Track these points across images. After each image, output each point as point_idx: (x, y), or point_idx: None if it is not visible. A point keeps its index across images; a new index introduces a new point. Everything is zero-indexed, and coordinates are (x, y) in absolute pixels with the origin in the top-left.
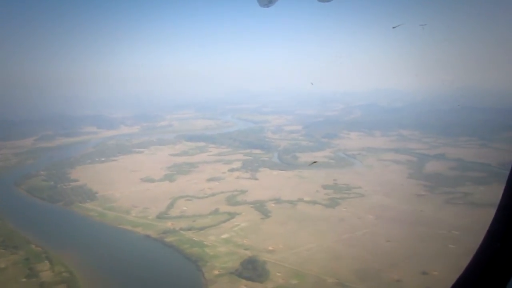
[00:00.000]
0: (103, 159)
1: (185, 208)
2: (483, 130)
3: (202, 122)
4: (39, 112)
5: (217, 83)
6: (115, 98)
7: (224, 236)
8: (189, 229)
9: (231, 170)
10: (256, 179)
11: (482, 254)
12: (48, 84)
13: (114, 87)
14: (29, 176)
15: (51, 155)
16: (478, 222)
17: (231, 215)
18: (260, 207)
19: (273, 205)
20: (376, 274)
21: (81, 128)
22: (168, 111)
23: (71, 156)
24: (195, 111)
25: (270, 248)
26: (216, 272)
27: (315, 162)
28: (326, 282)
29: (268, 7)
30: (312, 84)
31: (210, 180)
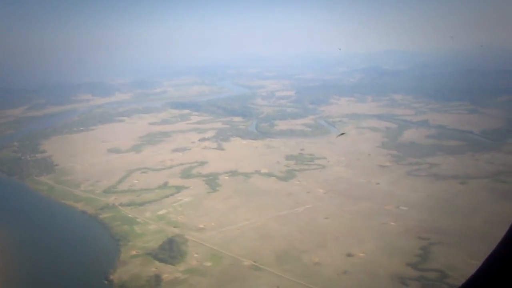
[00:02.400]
0: (81, 128)
1: (136, 181)
2: (478, 94)
3: (197, 88)
4: (36, 80)
5: (222, 48)
6: (118, 65)
7: (161, 212)
8: (129, 205)
9: (202, 139)
10: (222, 149)
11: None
12: (47, 51)
13: (118, 53)
14: (1, 147)
15: (34, 125)
16: (431, 196)
17: (178, 189)
18: (212, 180)
19: (226, 178)
20: (298, 256)
21: (75, 96)
22: (168, 77)
23: (52, 126)
24: (195, 76)
25: (201, 226)
26: (134, 252)
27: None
28: (241, 265)
29: None
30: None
31: (175, 150)
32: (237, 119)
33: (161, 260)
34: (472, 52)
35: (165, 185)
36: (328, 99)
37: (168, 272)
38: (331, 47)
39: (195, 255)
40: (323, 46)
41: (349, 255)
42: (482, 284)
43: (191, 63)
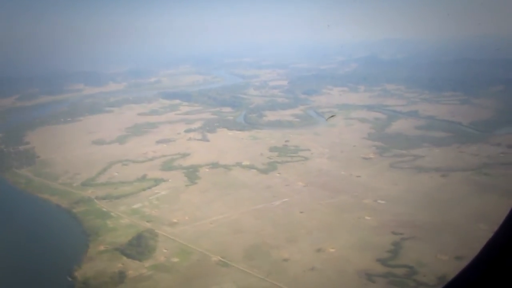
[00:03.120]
0: (69, 119)
1: (116, 173)
2: (472, 84)
3: (192, 78)
4: (29, 69)
5: (221, 36)
6: (115, 54)
7: (136, 206)
8: (105, 198)
9: (188, 130)
10: (207, 140)
11: (485, 255)
12: (42, 40)
13: (115, 42)
14: None
15: (23, 116)
16: (411, 190)
17: (157, 182)
18: (192, 172)
19: (207, 170)
20: (267, 252)
21: (68, 86)
22: (164, 66)
23: (40, 116)
24: (191, 65)
25: (174, 220)
26: (102, 248)
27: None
28: (209, 261)
29: None
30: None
31: (159, 142)
32: (226, 109)
33: (129, 256)
34: (472, 41)
35: (143, 178)
36: (320, 89)
37: (133, 268)
38: (331, 35)
39: (164, 250)
40: (323, 34)
41: (319, 250)
42: (478, 274)
43: (188, 52)
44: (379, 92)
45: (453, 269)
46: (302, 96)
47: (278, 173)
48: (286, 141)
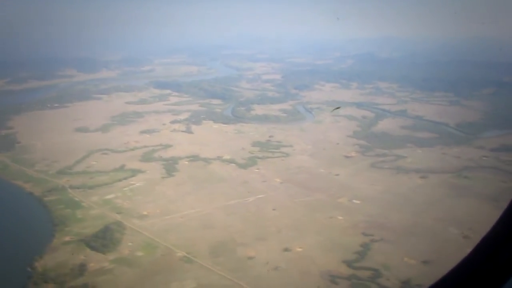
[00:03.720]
0: (56, 105)
1: (94, 163)
2: (464, 85)
3: (186, 68)
4: (23, 53)
5: (222, 27)
6: (113, 40)
7: (109, 196)
8: (79, 187)
9: (174, 121)
10: (191, 132)
11: (478, 252)
12: (38, 24)
13: (116, 29)
14: None
15: (10, 99)
16: (388, 191)
17: (134, 173)
18: (171, 164)
19: (186, 163)
20: (233, 249)
21: (61, 71)
22: (161, 55)
23: (27, 101)
24: (188, 56)
25: (145, 213)
26: (67, 238)
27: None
28: (173, 256)
29: None
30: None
31: (143, 132)
32: (216, 101)
33: (93, 248)
34: (473, 42)
35: (121, 168)
36: (312, 84)
37: (95, 261)
38: (334, 31)
39: (129, 243)
40: (326, 29)
41: (286, 249)
42: (472, 269)
43: (187, 42)
44: (370, 89)
45: (418, 273)
46: (293, 91)
47: (257, 169)
48: (270, 136)
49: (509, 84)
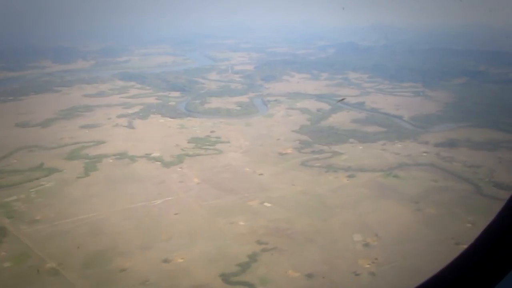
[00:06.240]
0: (10, 98)
1: (14, 161)
2: (436, 75)
3: (162, 58)
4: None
5: (212, 15)
6: (98, 30)
7: (9, 199)
8: None
9: (120, 116)
10: (132, 128)
11: (473, 250)
12: (19, 12)
13: (101, 19)
14: None
15: None
16: (306, 192)
17: (50, 172)
18: (93, 163)
19: (110, 161)
20: (110, 259)
21: (35, 62)
22: (144, 45)
23: None
24: (171, 46)
25: (38, 217)
26: None
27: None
28: (41, 268)
29: None
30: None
31: (84, 127)
32: (174, 94)
33: None
34: (462, 30)
35: (39, 167)
36: (282, 75)
37: None
38: (321, 19)
39: (3, 253)
40: (319, 18)
41: (165, 260)
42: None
43: (177, 31)
44: (339, 80)
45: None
46: (259, 83)
47: (180, 168)
48: (212, 131)
49: (482, 74)
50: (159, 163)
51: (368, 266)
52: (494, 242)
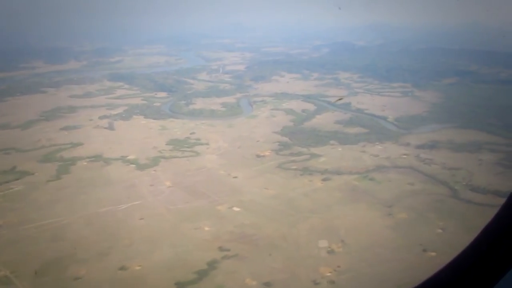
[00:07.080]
0: None
1: None
2: (426, 75)
3: (155, 58)
4: None
5: (212, 15)
6: (98, 29)
7: None
8: None
9: (103, 117)
10: (112, 129)
11: (469, 253)
12: (18, 13)
13: (102, 17)
14: None
15: None
16: (277, 196)
17: (21, 176)
18: (67, 166)
19: (84, 164)
20: (65, 267)
21: (26, 62)
22: (138, 45)
23: None
24: (166, 45)
25: (0, 222)
26: None
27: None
28: None
29: None
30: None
31: (63, 129)
32: (161, 94)
33: None
34: (460, 29)
35: (11, 170)
36: (272, 75)
37: None
38: (317, 18)
39: None
40: (311, 17)
41: (122, 268)
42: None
43: (173, 32)
44: (329, 80)
45: None
46: (248, 83)
47: (154, 170)
48: (192, 133)
49: (472, 73)
50: (133, 165)
51: (329, 274)
52: (492, 242)
